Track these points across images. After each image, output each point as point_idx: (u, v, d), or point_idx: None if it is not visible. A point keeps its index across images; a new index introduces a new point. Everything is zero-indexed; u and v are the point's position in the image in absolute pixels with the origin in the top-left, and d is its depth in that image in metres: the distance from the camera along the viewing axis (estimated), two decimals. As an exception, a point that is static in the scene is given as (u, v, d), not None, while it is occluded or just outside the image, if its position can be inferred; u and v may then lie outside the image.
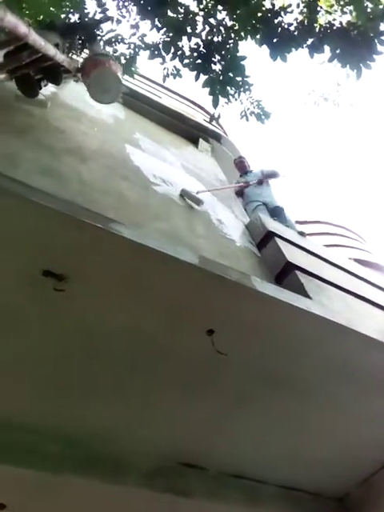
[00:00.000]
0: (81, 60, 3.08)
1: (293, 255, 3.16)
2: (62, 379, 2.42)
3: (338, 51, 3.17)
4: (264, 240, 3.36)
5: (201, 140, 5.44)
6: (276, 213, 4.50)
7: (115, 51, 3.66)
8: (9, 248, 1.92)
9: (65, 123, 3.16)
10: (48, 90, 3.42)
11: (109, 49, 3.63)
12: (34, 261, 1.96)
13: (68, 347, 2.31)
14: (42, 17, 3.32)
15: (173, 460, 3.01)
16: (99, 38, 3.63)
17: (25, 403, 2.42)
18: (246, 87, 3.34)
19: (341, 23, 3.22)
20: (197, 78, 3.22)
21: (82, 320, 2.23)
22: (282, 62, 3.18)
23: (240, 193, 4.95)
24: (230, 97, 3.34)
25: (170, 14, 3.18)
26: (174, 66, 3.44)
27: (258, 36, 3.11)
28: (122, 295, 2.19)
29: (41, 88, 3.00)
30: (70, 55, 3.01)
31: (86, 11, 3.53)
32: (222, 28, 3.23)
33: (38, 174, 2.39)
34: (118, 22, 3.51)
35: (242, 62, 3.27)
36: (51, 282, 1.98)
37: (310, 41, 3.19)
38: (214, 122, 5.63)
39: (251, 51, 3.47)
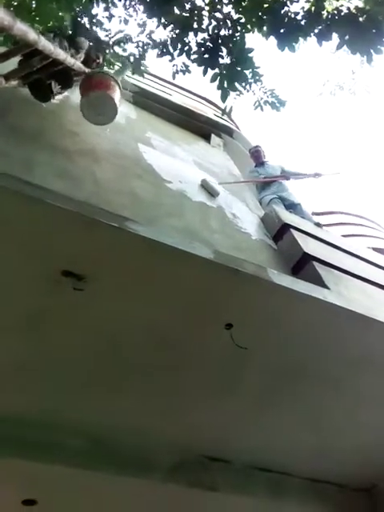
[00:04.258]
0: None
1: (309, 246, 3.14)
2: (86, 377, 2.47)
3: (346, 38, 3.11)
4: (280, 232, 3.34)
5: (212, 135, 5.41)
6: (292, 206, 4.45)
7: (124, 51, 3.68)
8: (28, 250, 1.97)
9: (77, 125, 3.20)
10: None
11: (118, 49, 3.66)
12: (53, 262, 2.00)
13: (90, 345, 2.36)
14: (51, 23, 3.36)
15: (197, 454, 3.04)
16: (107, 38, 3.66)
17: (51, 401, 2.48)
18: (257, 78, 3.29)
19: (349, 9, 3.15)
20: (205, 72, 3.20)
21: (102, 318, 2.27)
22: (291, 53, 3.14)
23: (263, 186, 4.83)
24: (241, 88, 3.29)
25: (175, 10, 3.18)
26: (183, 63, 3.43)
27: (264, 27, 3.08)
28: (139, 292, 2.22)
29: (53, 92, 3.04)
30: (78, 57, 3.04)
31: (93, 13, 3.57)
32: (228, 21, 3.21)
33: (53, 176, 2.43)
34: (126, 21, 3.53)
35: (249, 55, 3.24)
36: (71, 281, 2.03)
37: (317, 29, 3.14)
38: (225, 117, 5.59)
39: (261, 44, 3.44)
